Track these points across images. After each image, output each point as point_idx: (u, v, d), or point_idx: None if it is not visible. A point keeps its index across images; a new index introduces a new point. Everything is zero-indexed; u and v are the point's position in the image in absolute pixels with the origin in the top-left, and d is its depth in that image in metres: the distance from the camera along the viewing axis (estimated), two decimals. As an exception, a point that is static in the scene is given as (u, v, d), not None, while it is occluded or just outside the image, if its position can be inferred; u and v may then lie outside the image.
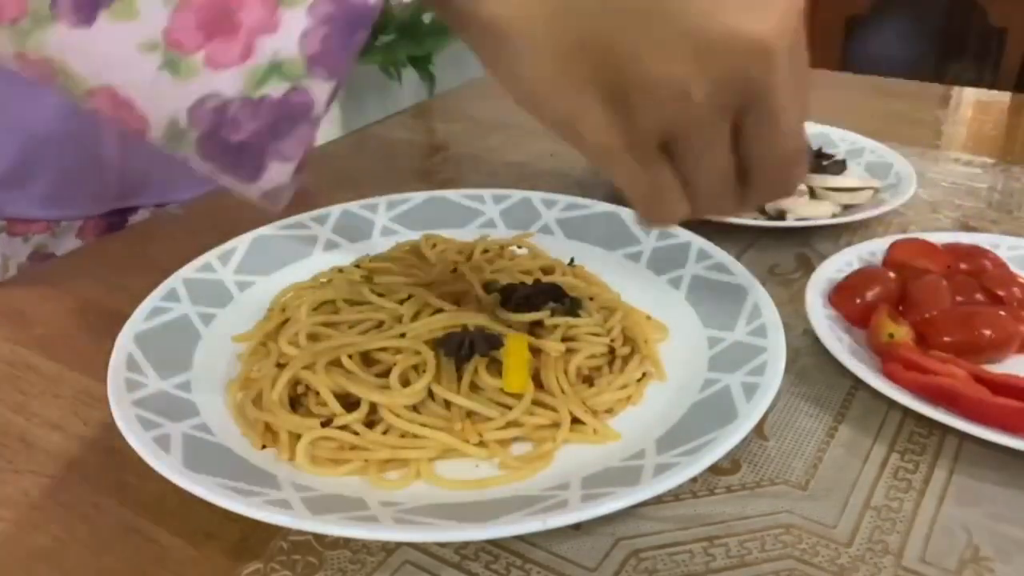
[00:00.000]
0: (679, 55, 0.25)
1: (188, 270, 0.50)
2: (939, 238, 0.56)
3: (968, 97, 0.97)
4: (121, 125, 0.23)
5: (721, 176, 0.29)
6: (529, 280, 0.49)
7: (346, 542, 0.36)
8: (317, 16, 0.22)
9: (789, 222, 0.61)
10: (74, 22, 0.21)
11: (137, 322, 0.44)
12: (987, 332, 0.46)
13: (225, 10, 0.21)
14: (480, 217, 0.59)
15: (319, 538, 0.36)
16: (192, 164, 0.24)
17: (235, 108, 0.22)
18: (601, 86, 0.26)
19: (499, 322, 0.44)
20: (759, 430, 0.42)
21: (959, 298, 0.49)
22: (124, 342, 0.43)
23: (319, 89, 0.22)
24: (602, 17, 0.25)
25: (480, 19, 0.25)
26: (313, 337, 0.44)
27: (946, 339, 0.46)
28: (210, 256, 0.51)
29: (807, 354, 0.48)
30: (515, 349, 0.41)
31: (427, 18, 2.29)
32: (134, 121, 0.23)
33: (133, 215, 0.73)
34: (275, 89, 0.22)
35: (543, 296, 0.46)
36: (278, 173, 0.24)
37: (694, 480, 0.39)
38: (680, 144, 0.28)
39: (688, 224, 0.58)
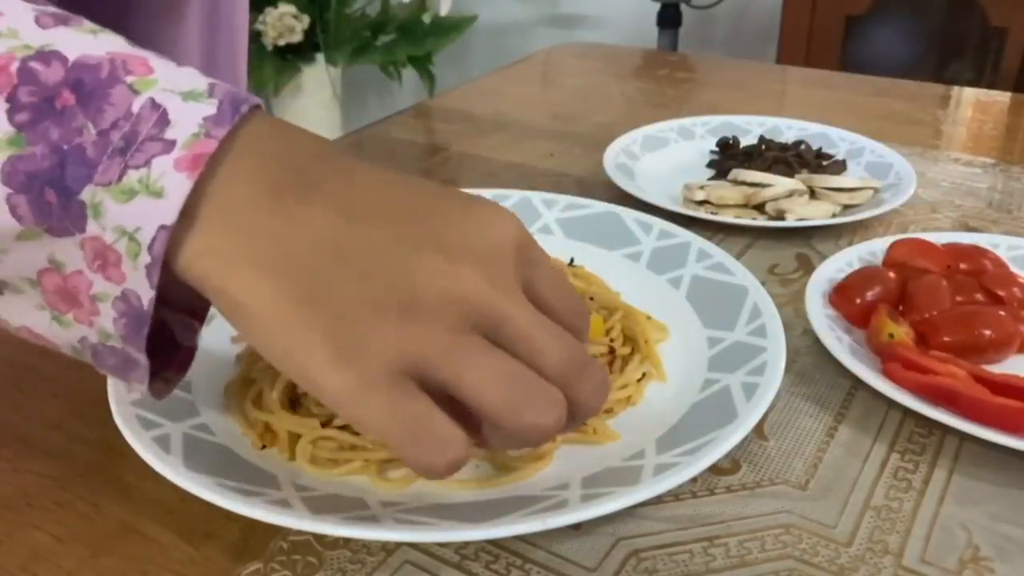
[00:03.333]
0: (393, 307, 0.29)
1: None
2: (939, 238, 0.56)
3: (967, 97, 0.97)
4: (42, 345, 0.32)
5: (508, 377, 0.29)
6: (529, 280, 0.49)
7: (346, 542, 0.36)
8: (118, 311, 0.29)
9: (789, 222, 0.61)
10: None
11: (137, 322, 0.44)
12: (987, 332, 0.46)
13: (71, 292, 0.29)
14: (480, 217, 0.59)
15: (319, 538, 0.36)
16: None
17: (100, 347, 0.30)
18: (331, 339, 0.28)
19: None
20: (759, 430, 0.42)
21: (959, 298, 0.49)
22: (124, 342, 0.43)
23: (137, 354, 0.30)
24: (331, 291, 0.29)
25: (232, 301, 0.29)
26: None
27: (946, 339, 0.46)
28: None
29: (807, 354, 0.48)
30: None
31: (427, 18, 2.29)
32: (48, 344, 0.31)
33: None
34: (115, 343, 0.30)
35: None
36: (140, 388, 0.32)
37: (694, 480, 0.39)
38: (433, 368, 0.29)
39: (687, 224, 0.58)
